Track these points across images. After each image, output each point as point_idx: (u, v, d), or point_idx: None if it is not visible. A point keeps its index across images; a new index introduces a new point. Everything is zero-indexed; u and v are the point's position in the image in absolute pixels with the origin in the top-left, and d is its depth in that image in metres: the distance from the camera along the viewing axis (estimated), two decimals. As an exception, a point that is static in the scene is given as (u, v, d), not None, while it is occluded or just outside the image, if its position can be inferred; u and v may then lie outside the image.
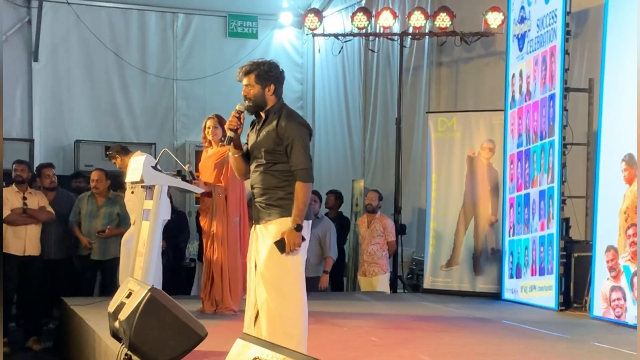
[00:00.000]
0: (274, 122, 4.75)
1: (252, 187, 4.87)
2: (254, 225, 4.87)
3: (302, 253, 4.74)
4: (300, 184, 4.70)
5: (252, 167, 4.86)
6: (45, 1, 12.49)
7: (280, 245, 4.64)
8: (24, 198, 8.28)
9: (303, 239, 4.68)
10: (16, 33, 12.65)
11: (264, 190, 4.77)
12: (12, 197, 8.27)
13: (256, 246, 4.80)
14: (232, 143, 4.87)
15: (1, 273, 5.39)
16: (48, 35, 12.78)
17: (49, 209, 8.47)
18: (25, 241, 8.26)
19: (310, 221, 4.84)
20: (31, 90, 12.77)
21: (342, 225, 10.19)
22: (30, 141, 12.45)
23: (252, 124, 4.94)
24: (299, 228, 4.64)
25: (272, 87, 4.80)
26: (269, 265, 4.66)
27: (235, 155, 4.95)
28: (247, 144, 4.94)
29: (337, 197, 10.48)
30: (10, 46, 12.60)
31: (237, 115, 4.83)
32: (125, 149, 8.15)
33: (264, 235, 4.74)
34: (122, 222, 8.58)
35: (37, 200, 8.41)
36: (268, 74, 4.79)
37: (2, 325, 5.07)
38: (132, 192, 7.70)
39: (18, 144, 12.21)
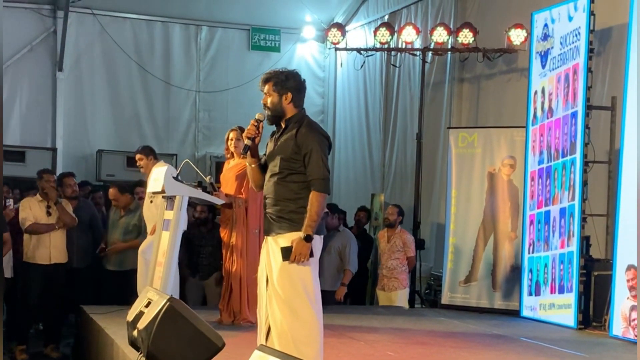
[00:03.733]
0: (294, 131, 4.67)
1: (265, 197, 4.79)
2: (265, 237, 4.79)
3: (313, 269, 4.62)
4: (315, 193, 4.58)
5: (267, 176, 4.77)
6: (71, 12, 12.62)
7: (286, 252, 4.53)
8: (48, 207, 8.31)
9: (312, 254, 4.57)
10: (41, 42, 12.81)
11: (276, 201, 4.68)
12: (36, 207, 8.30)
13: (267, 260, 4.71)
14: (249, 152, 4.81)
15: (2, 278, 5.42)
16: (73, 45, 12.93)
17: (74, 216, 8.50)
18: (50, 249, 8.27)
19: (322, 236, 4.73)
20: (55, 100, 12.91)
21: (366, 242, 10.14)
22: (53, 150, 12.57)
23: (272, 135, 4.88)
24: (308, 239, 4.54)
25: (290, 95, 4.73)
26: (281, 282, 4.56)
27: (252, 165, 4.87)
28: (265, 154, 4.87)
29: (366, 213, 10.53)
30: (35, 55, 12.77)
31: (256, 124, 4.77)
32: (154, 153, 8.05)
33: (273, 251, 4.65)
34: (139, 233, 8.52)
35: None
36: (285, 82, 4.73)
37: (1, 333, 5.09)
38: (151, 202, 7.70)
39: (41, 152, 12.34)
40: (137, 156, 8.01)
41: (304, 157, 4.63)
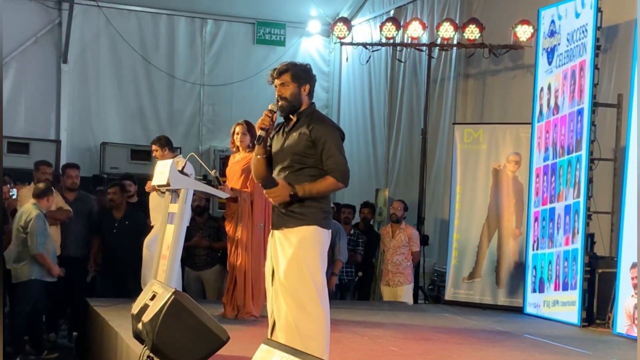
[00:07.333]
0: (306, 126, 4.62)
1: None
2: (271, 231, 4.75)
3: (322, 263, 4.61)
4: (332, 179, 4.56)
5: (276, 170, 4.72)
6: (76, 4, 12.62)
7: (270, 184, 4.55)
8: None
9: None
10: (46, 34, 12.80)
11: None
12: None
13: (275, 254, 4.67)
14: (261, 143, 4.76)
15: (2, 273, 5.40)
16: (78, 37, 12.92)
17: (66, 207, 8.47)
18: None
19: (330, 231, 4.70)
20: (59, 92, 12.89)
21: (373, 238, 10.14)
22: (57, 142, 12.57)
23: (278, 129, 4.82)
24: (294, 197, 4.53)
25: (307, 87, 4.71)
26: (289, 275, 4.52)
27: (259, 157, 4.81)
28: (270, 147, 4.82)
29: (371, 209, 10.56)
30: (40, 47, 12.76)
31: (270, 114, 4.71)
32: (170, 144, 7.90)
33: (282, 244, 4.61)
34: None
35: (55, 201, 8.38)
36: (304, 73, 4.71)
37: (2, 325, 5.07)
38: (164, 193, 7.50)
39: (45, 144, 12.32)
40: (153, 147, 7.89)
41: (321, 152, 4.58)
